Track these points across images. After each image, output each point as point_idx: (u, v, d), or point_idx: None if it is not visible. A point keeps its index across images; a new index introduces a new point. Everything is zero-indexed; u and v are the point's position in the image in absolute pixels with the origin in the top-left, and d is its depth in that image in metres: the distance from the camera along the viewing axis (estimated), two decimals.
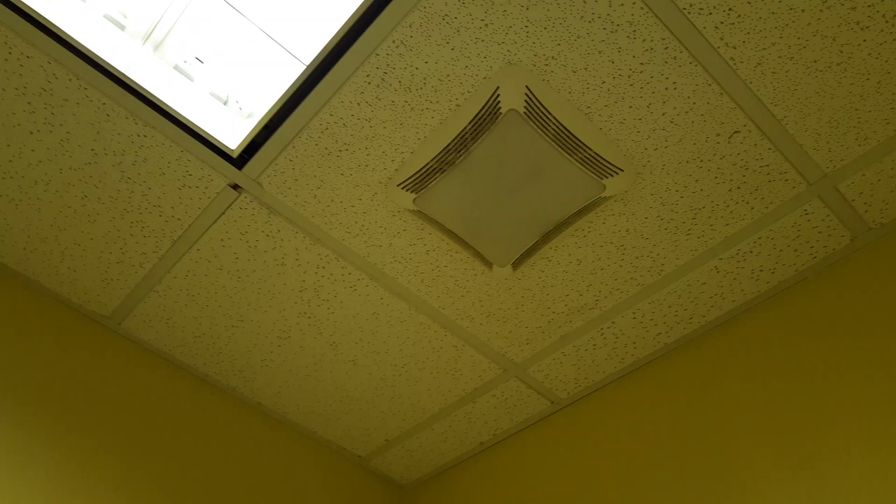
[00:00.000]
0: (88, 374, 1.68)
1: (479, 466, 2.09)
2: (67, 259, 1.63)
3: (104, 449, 1.62)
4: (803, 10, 1.15)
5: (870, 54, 1.20)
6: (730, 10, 1.16)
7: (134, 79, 1.35)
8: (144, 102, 1.37)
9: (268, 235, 1.56)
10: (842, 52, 1.20)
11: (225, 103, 1.43)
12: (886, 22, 1.16)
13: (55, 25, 1.27)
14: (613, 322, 1.68)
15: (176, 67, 1.39)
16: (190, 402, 1.84)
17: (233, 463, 1.86)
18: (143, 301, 1.72)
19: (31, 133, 1.41)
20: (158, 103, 1.38)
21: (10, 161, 1.45)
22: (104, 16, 1.31)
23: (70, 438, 1.57)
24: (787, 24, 1.17)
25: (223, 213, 1.53)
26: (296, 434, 2.05)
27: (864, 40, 1.18)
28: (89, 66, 1.32)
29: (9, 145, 1.43)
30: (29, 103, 1.37)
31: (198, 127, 1.41)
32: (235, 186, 1.49)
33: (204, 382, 1.90)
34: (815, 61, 1.21)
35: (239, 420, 1.93)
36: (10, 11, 1.24)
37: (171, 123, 1.40)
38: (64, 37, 1.28)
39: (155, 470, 1.69)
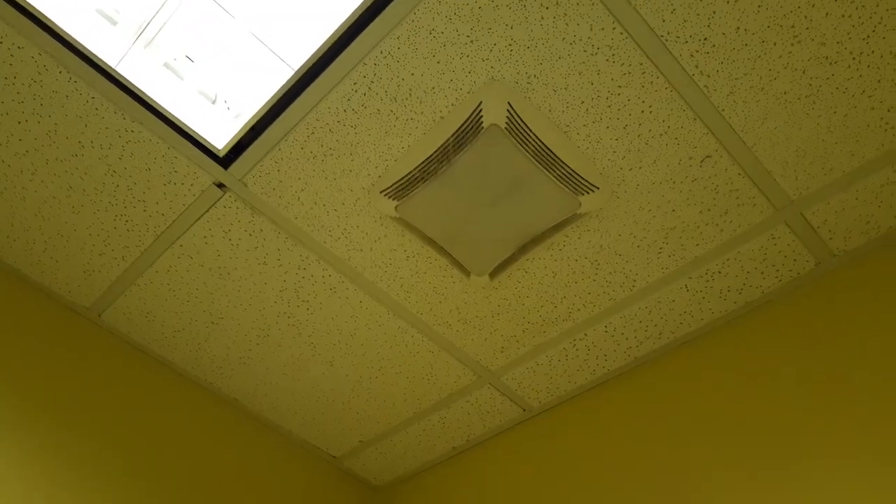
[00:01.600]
0: (66, 363, 1.69)
1: (451, 470, 2.12)
2: (50, 249, 1.65)
3: (77, 438, 1.63)
4: (775, 44, 1.20)
5: (837, 88, 1.25)
6: (705, 39, 1.21)
7: (124, 74, 1.37)
8: (133, 98, 1.39)
9: (250, 235, 1.59)
10: (811, 84, 1.25)
11: (213, 103, 1.45)
12: (854, 58, 1.21)
13: (47, 18, 1.29)
14: (586, 334, 1.72)
15: (166, 65, 1.41)
16: (166, 396, 1.86)
17: (207, 459, 1.87)
18: (124, 294, 1.74)
19: (19, 123, 1.43)
20: (147, 100, 1.40)
21: None
22: (97, 10, 1.34)
23: (43, 426, 1.59)
24: (759, 56, 1.22)
25: (207, 211, 1.56)
26: (271, 432, 2.08)
27: (833, 74, 1.23)
28: (80, 60, 1.34)
29: None
30: (18, 93, 1.39)
31: (185, 125, 1.44)
32: (220, 185, 1.51)
33: (181, 377, 1.92)
34: (785, 93, 1.26)
35: (214, 417, 1.95)
36: (2, 2, 1.26)
37: (158, 120, 1.42)
38: (56, 29, 1.31)
39: (127, 462, 1.70)
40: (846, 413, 1.36)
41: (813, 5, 1.15)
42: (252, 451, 2.00)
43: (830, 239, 1.47)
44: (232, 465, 1.93)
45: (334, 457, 2.19)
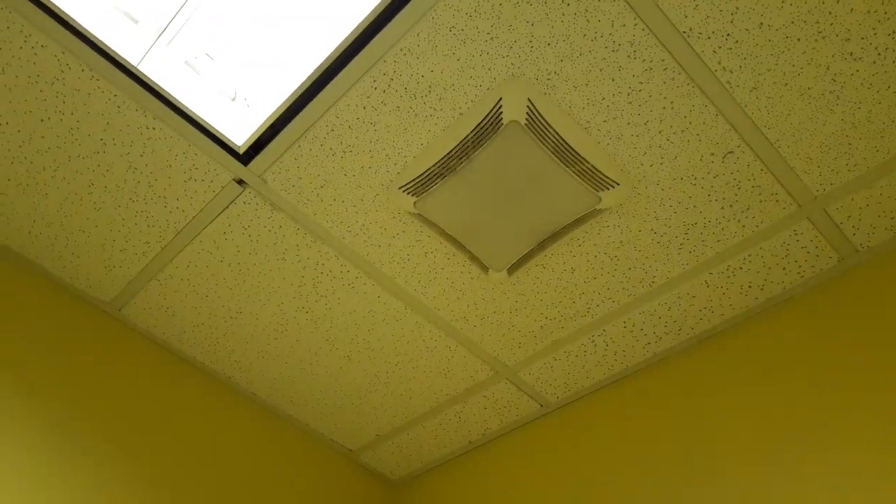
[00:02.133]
0: (87, 358, 1.71)
1: (467, 465, 2.13)
2: (71, 245, 1.66)
3: (98, 432, 1.65)
4: (799, 39, 1.19)
5: (862, 84, 1.23)
6: (728, 35, 1.20)
7: (145, 72, 1.38)
8: (154, 96, 1.40)
9: (270, 231, 1.59)
10: (835, 80, 1.23)
11: (233, 100, 1.46)
12: (879, 54, 1.19)
13: (70, 17, 1.30)
14: (604, 330, 1.72)
15: (187, 63, 1.42)
16: (185, 389, 1.88)
17: (225, 451, 1.89)
18: (144, 289, 1.76)
19: (42, 120, 1.44)
20: (168, 97, 1.41)
21: (20, 146, 1.48)
22: (118, 9, 1.34)
23: (65, 420, 1.61)
24: (782, 52, 1.20)
25: (227, 207, 1.57)
26: (288, 426, 2.09)
27: (857, 70, 1.22)
28: (102, 58, 1.35)
29: (19, 131, 1.46)
30: (41, 91, 1.40)
31: (206, 122, 1.44)
32: (240, 182, 1.52)
33: (200, 371, 1.94)
34: (809, 88, 1.25)
35: (233, 410, 1.97)
36: (26, 1, 1.27)
37: (179, 117, 1.43)
38: (78, 28, 1.31)
39: (147, 455, 1.72)
40: (869, 410, 1.35)
41: (837, 1, 1.14)
42: (269, 444, 2.02)
43: (854, 235, 1.46)
44: (249, 458, 1.95)
45: (351, 450, 2.21)
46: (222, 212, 1.57)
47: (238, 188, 1.53)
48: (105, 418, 1.68)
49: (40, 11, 1.29)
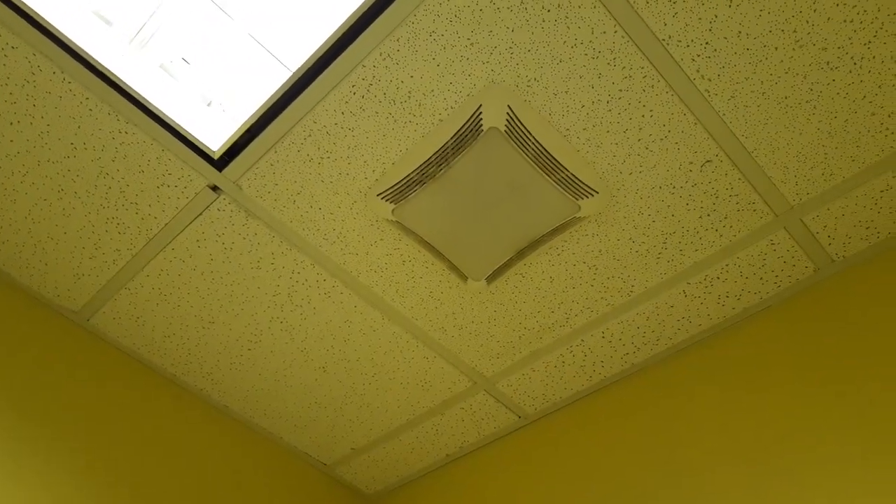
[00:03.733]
0: (54, 368, 1.66)
1: (444, 478, 2.10)
2: (39, 252, 1.62)
3: (63, 443, 1.60)
4: (776, 48, 1.20)
5: (838, 93, 1.25)
6: (707, 43, 1.20)
7: (119, 75, 1.35)
8: (127, 99, 1.37)
9: (244, 238, 1.56)
10: (812, 90, 1.25)
11: (209, 105, 1.43)
12: (855, 63, 1.21)
13: (42, 18, 1.27)
14: (583, 340, 1.71)
15: (161, 66, 1.40)
16: (155, 401, 1.83)
17: (197, 465, 1.84)
18: (114, 298, 1.71)
19: (11, 124, 1.40)
20: (142, 101, 1.38)
21: None
22: (92, 12, 1.32)
23: (29, 431, 1.55)
24: (760, 61, 1.21)
25: (201, 214, 1.53)
26: (261, 439, 2.05)
27: (834, 80, 1.23)
28: (74, 61, 1.32)
29: None
30: (10, 93, 1.36)
31: (180, 127, 1.42)
32: (215, 188, 1.49)
33: (171, 383, 1.89)
34: (786, 97, 1.26)
35: (205, 422, 1.92)
36: None
37: (153, 122, 1.40)
38: (51, 29, 1.28)
39: (114, 468, 1.67)
40: (846, 419, 1.35)
41: (815, 10, 1.15)
42: (242, 457, 1.97)
43: (830, 244, 1.47)
44: (221, 471, 1.90)
45: (325, 464, 2.17)
46: (196, 218, 1.54)
47: (212, 194, 1.50)
48: (72, 431, 1.63)
49: (11, 12, 1.25)
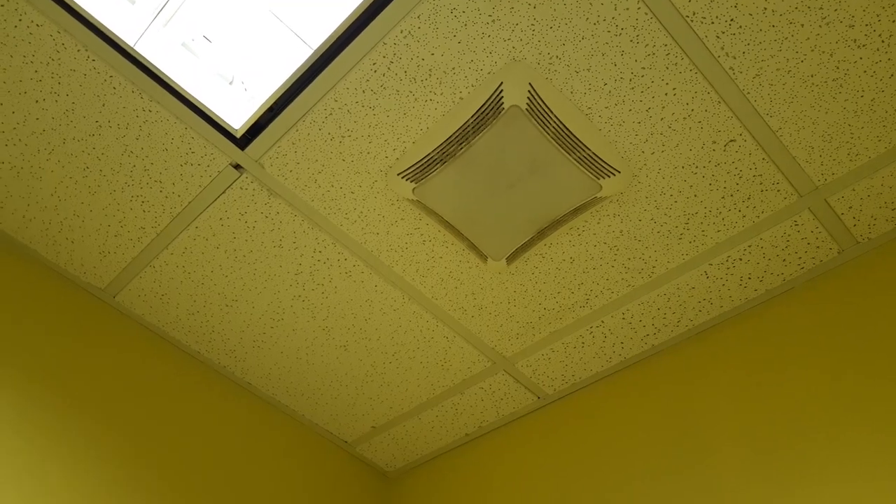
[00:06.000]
0: (80, 345, 1.70)
1: (463, 457, 2.12)
2: (66, 230, 1.65)
3: (88, 419, 1.64)
4: (802, 25, 1.18)
5: (865, 72, 1.22)
6: (732, 20, 1.18)
7: (142, 53, 1.36)
8: (151, 77, 1.38)
9: (266, 217, 1.58)
10: (838, 67, 1.22)
11: (230, 83, 1.44)
12: (883, 41, 1.19)
13: None
14: (602, 321, 1.71)
15: (184, 45, 1.40)
16: (180, 378, 1.86)
17: (219, 441, 1.88)
18: (139, 276, 1.74)
19: (37, 101, 1.43)
20: (165, 79, 1.39)
21: (14, 128, 1.46)
22: None
23: (55, 407, 1.59)
24: (786, 38, 1.19)
25: (223, 193, 1.55)
26: (283, 416, 2.08)
27: (861, 58, 1.21)
28: (98, 38, 1.33)
29: (14, 112, 1.44)
30: (36, 71, 1.38)
31: (203, 105, 1.43)
32: (237, 166, 1.51)
33: (195, 360, 1.92)
34: (812, 76, 1.24)
35: (227, 399, 1.95)
36: None
37: (176, 100, 1.41)
38: (74, 7, 1.30)
39: (138, 444, 1.71)
40: (871, 402, 1.34)
41: None
42: (264, 435, 2.00)
43: (854, 226, 1.45)
44: (243, 448, 1.93)
45: (346, 442, 2.19)
46: (219, 197, 1.56)
47: (235, 173, 1.51)
48: (98, 406, 1.66)
49: None
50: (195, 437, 1.82)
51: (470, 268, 1.63)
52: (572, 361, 1.82)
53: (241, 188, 1.54)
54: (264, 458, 1.97)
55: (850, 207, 1.42)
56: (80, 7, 1.29)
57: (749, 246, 1.50)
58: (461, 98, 1.34)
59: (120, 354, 1.76)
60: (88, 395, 1.66)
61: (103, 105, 1.42)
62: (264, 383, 1.99)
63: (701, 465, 1.52)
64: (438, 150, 1.39)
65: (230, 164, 1.50)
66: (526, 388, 1.92)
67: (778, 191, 1.41)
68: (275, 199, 1.55)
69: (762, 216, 1.45)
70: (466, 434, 2.10)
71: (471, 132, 1.35)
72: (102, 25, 1.32)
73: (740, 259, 1.53)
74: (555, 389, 1.92)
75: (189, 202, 1.58)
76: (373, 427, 2.12)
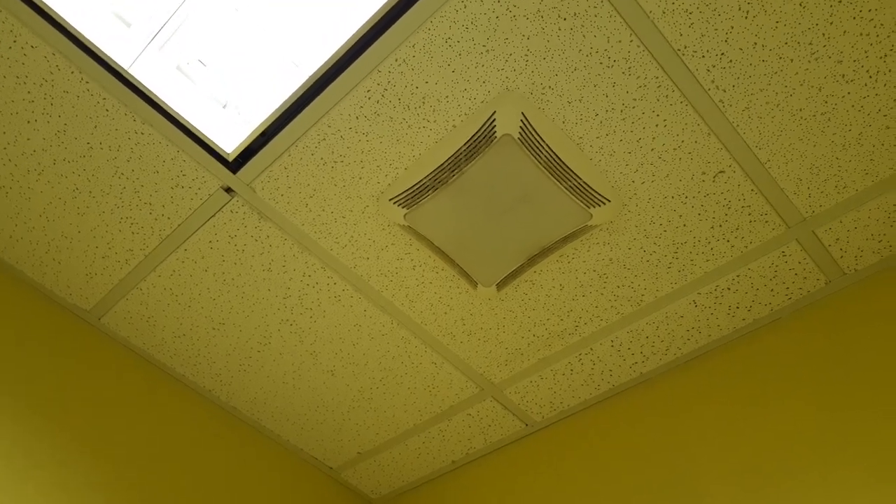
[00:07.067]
0: (64, 367, 1.67)
1: (450, 484, 2.10)
2: (53, 250, 1.63)
3: (72, 442, 1.61)
4: (792, 60, 1.20)
5: (853, 106, 1.25)
6: (722, 54, 1.21)
7: (136, 76, 1.37)
8: (144, 100, 1.38)
9: (256, 240, 1.57)
10: (826, 102, 1.25)
11: (224, 107, 1.44)
12: (870, 77, 1.21)
13: (63, 18, 1.28)
14: (591, 349, 1.71)
15: (178, 68, 1.41)
16: (164, 402, 1.84)
17: (203, 466, 1.85)
18: (126, 298, 1.72)
19: (29, 122, 1.42)
20: (158, 102, 1.39)
21: (5, 148, 1.45)
22: (113, 13, 1.33)
23: (37, 429, 1.56)
24: (776, 72, 1.22)
25: (214, 216, 1.54)
26: (268, 441, 2.05)
27: (849, 93, 1.23)
28: (93, 61, 1.33)
29: (4, 132, 1.43)
30: (29, 92, 1.38)
31: (195, 128, 1.43)
32: (228, 190, 1.50)
33: (180, 384, 1.90)
34: (801, 109, 1.26)
35: (212, 423, 1.93)
36: (18, 1, 1.25)
37: (169, 123, 1.41)
38: (70, 29, 1.30)
39: (121, 468, 1.68)
40: (855, 438, 1.34)
41: (831, 23, 1.15)
42: (248, 460, 1.98)
43: (842, 257, 1.47)
44: (228, 473, 1.90)
45: (331, 468, 2.17)
46: (209, 220, 1.55)
47: (226, 196, 1.51)
48: (81, 429, 1.63)
49: (32, 12, 1.27)
50: (180, 461, 1.79)
51: (460, 293, 1.63)
52: (561, 388, 1.81)
53: (231, 211, 1.53)
54: (248, 484, 1.94)
55: (838, 239, 1.44)
56: (75, 30, 1.30)
57: (737, 276, 1.52)
58: (454, 126, 1.35)
59: (104, 376, 1.74)
60: (71, 416, 1.63)
61: (95, 127, 1.42)
62: (250, 408, 1.97)
63: (688, 494, 1.51)
64: (430, 176, 1.39)
65: (221, 187, 1.50)
66: (514, 414, 1.91)
67: (766, 222, 1.42)
68: (265, 222, 1.54)
69: (750, 246, 1.47)
70: (453, 461, 2.08)
71: (463, 160, 1.36)
72: (97, 48, 1.32)
73: (728, 288, 1.54)
74: (543, 417, 1.91)
75: (179, 225, 1.57)
76: (358, 453, 2.10)
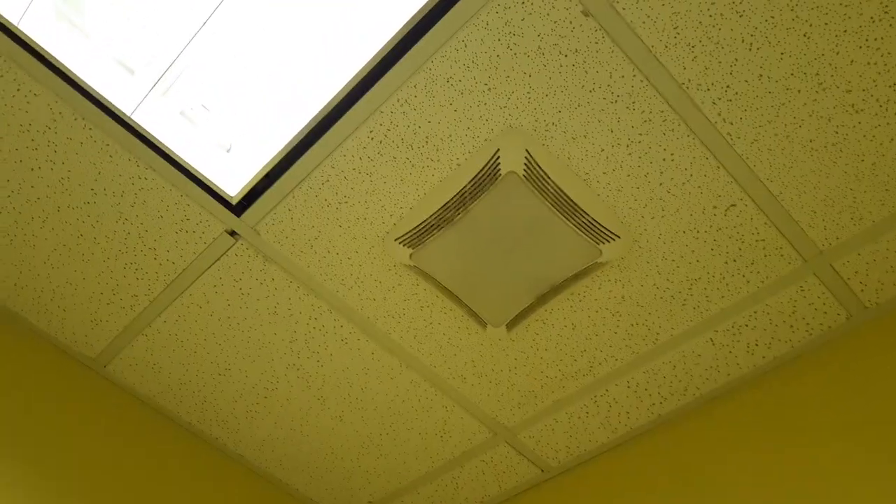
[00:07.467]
0: (69, 416, 1.64)
1: None
2: (58, 298, 1.62)
3: (79, 494, 1.57)
4: (799, 91, 1.18)
5: (864, 136, 1.22)
6: (728, 87, 1.18)
7: (139, 122, 1.37)
8: (147, 145, 1.38)
9: (262, 283, 1.55)
10: (837, 132, 1.22)
11: (228, 151, 1.44)
12: (881, 106, 1.18)
13: (66, 67, 1.29)
14: (607, 390, 1.66)
15: (182, 113, 1.41)
16: (170, 449, 1.80)
17: None
18: (131, 344, 1.70)
19: (32, 170, 1.42)
20: (161, 147, 1.39)
21: (9, 196, 1.46)
22: (115, 60, 1.34)
23: (44, 480, 1.53)
24: (783, 104, 1.19)
25: (218, 259, 1.53)
26: (276, 490, 2.00)
27: (859, 122, 1.20)
28: (95, 107, 1.33)
29: (9, 180, 1.43)
30: (32, 140, 1.38)
31: (199, 172, 1.42)
32: (233, 233, 1.49)
33: (186, 430, 1.86)
34: (811, 140, 1.23)
35: (219, 471, 1.88)
36: (22, 50, 1.26)
37: (172, 167, 1.41)
38: (73, 77, 1.31)
39: None
40: (884, 473, 1.28)
41: (837, 53, 1.13)
42: None
43: (862, 291, 1.42)
44: None
45: None
46: (213, 264, 1.54)
47: (230, 240, 1.50)
48: (86, 479, 1.60)
49: (36, 61, 1.28)
50: None
51: (469, 334, 1.59)
52: (577, 432, 1.76)
53: (236, 255, 1.51)
54: None
55: (857, 272, 1.39)
56: (78, 77, 1.30)
57: (755, 312, 1.47)
58: (458, 165, 1.33)
59: (110, 426, 1.71)
60: (76, 467, 1.59)
61: (99, 173, 1.42)
62: (257, 455, 1.92)
63: None
64: (436, 215, 1.37)
65: (225, 230, 1.49)
66: (529, 460, 1.85)
67: (781, 255, 1.38)
68: (270, 265, 1.52)
69: (766, 281, 1.42)
70: None
71: (468, 198, 1.34)
72: (100, 95, 1.32)
73: (746, 325, 1.49)
74: (559, 462, 1.84)
75: (183, 269, 1.55)
76: (369, 502, 2.04)
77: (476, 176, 1.31)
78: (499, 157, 1.29)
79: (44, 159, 1.40)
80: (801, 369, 1.50)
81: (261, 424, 1.84)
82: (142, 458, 1.73)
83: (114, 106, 1.34)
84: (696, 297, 1.47)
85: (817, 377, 1.47)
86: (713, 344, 1.54)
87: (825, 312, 1.46)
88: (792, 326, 1.48)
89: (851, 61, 1.13)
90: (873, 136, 1.21)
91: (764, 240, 1.36)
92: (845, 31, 1.10)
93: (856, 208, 1.31)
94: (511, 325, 1.52)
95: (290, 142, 1.36)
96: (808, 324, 1.48)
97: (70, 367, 1.71)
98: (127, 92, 1.35)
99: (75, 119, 1.34)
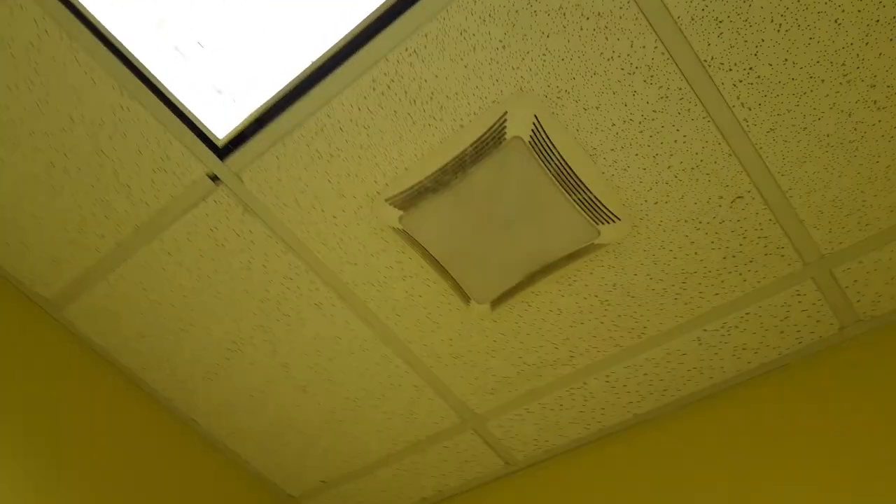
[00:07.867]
0: (15, 357, 1.54)
1: None
2: (19, 230, 1.52)
3: (16, 439, 1.46)
4: (823, 81, 1.14)
5: (883, 136, 1.18)
6: (750, 69, 1.14)
7: (130, 49, 1.28)
8: (135, 74, 1.30)
9: (238, 235, 1.47)
10: (856, 129, 1.18)
11: (220, 92, 1.36)
12: None
13: None
14: (585, 383, 1.60)
15: (176, 48, 1.33)
16: (118, 405, 1.69)
17: (150, 478, 1.70)
18: (91, 289, 1.60)
19: (9, 88, 1.33)
20: (150, 77, 1.31)
21: None
22: None
23: None
24: (805, 93, 1.15)
25: (196, 206, 1.44)
26: (224, 460, 1.90)
27: (880, 121, 1.17)
28: (85, 28, 1.25)
29: None
30: (13, 56, 1.29)
31: (186, 108, 1.34)
32: (214, 178, 1.41)
33: (138, 388, 1.76)
34: (828, 135, 1.20)
35: (167, 436, 1.78)
36: None
37: (158, 101, 1.33)
38: None
39: (63, 469, 1.53)
40: (861, 492, 1.24)
41: (866, 43, 1.10)
42: (201, 479, 1.82)
43: (858, 301, 1.39)
44: (176, 490, 1.75)
45: (291, 496, 2.01)
46: (190, 209, 1.45)
47: (210, 185, 1.41)
48: (25, 424, 1.49)
49: None
50: (127, 472, 1.64)
51: (450, 310, 1.53)
52: (548, 425, 1.70)
53: (215, 202, 1.43)
54: None
55: (856, 281, 1.36)
56: None
57: (747, 314, 1.43)
58: (462, 125, 1.27)
59: (57, 373, 1.60)
60: (16, 409, 1.48)
61: (79, 98, 1.33)
62: (209, 422, 1.83)
63: None
64: (432, 177, 1.31)
65: (207, 174, 1.40)
66: (494, 450, 1.79)
67: (782, 255, 1.34)
68: (249, 216, 1.44)
69: (763, 282, 1.38)
70: (423, 498, 1.94)
71: (468, 162, 1.28)
72: (91, 15, 1.24)
73: (736, 327, 1.45)
74: (525, 455, 1.78)
75: (157, 212, 1.46)
76: (322, 482, 1.95)
77: (479, 138, 1.25)
78: (506, 121, 1.23)
79: (22, 78, 1.31)
80: (787, 379, 1.46)
81: (219, 388, 1.74)
82: (84, 409, 1.63)
83: (105, 29, 1.25)
84: (689, 291, 1.42)
85: (803, 389, 1.43)
86: (700, 343, 1.49)
87: (818, 321, 1.42)
88: (783, 332, 1.45)
89: (880, 54, 1.10)
90: (892, 137, 1.18)
91: (766, 237, 1.32)
92: (877, 20, 1.07)
93: (864, 213, 1.28)
94: (496, 303, 1.46)
95: (287, 85, 1.29)
96: (798, 331, 1.44)
97: (22, 306, 1.61)
98: (120, 17, 1.26)
99: (61, 38, 1.26)
